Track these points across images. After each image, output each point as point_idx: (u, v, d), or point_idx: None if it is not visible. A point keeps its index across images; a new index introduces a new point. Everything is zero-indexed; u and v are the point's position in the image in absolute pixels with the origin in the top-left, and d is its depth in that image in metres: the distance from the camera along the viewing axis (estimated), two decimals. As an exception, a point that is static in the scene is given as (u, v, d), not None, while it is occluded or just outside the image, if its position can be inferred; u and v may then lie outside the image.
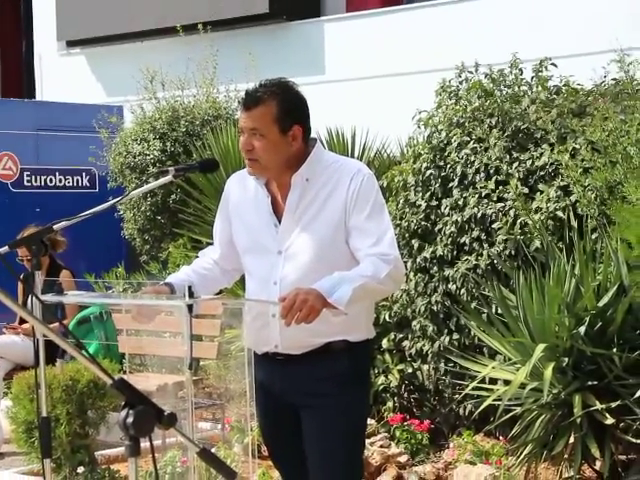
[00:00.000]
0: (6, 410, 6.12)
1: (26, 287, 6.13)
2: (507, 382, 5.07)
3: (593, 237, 5.21)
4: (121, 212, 9.29)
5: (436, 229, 5.92)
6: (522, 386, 4.87)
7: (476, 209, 5.69)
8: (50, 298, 3.37)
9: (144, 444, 1.99)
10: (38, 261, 3.37)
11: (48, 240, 3.40)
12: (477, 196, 5.72)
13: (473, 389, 5.26)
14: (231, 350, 6.61)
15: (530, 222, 5.42)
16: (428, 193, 5.99)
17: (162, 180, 3.61)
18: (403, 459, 5.73)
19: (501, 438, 5.63)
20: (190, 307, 2.98)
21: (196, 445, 2.02)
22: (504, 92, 6.04)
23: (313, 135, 3.41)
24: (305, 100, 3.35)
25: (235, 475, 2.05)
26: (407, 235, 6.02)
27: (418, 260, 5.94)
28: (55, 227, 3.44)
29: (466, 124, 5.95)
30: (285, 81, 3.34)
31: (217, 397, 6.75)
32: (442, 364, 5.87)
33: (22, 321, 7.27)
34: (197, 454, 2.01)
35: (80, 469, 5.57)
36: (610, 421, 4.71)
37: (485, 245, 5.65)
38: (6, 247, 3.30)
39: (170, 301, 3.25)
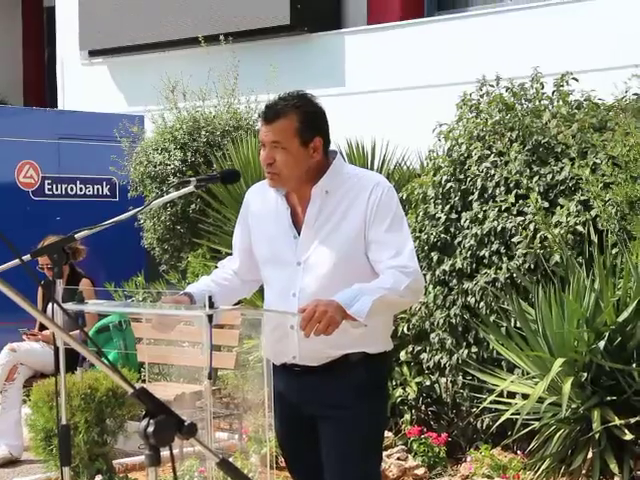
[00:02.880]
0: (25, 417, 6.14)
1: (47, 294, 6.16)
2: (525, 396, 5.06)
3: (613, 252, 5.19)
4: (141, 221, 9.32)
5: (456, 242, 5.91)
6: (540, 400, 4.85)
7: (496, 222, 5.68)
8: (71, 306, 3.38)
9: (163, 453, 1.99)
10: (59, 269, 3.39)
11: (69, 249, 3.42)
12: (497, 209, 5.72)
13: (491, 403, 5.25)
14: (249, 360, 6.62)
15: (550, 236, 5.41)
16: (448, 206, 5.99)
17: (184, 190, 3.63)
18: (420, 472, 5.72)
19: (519, 452, 5.62)
20: (210, 317, 2.99)
21: (216, 455, 2.03)
22: (525, 106, 6.04)
23: (333, 147, 3.42)
24: (325, 112, 3.36)
25: (254, 486, 2.05)
26: (426, 248, 6.02)
27: (437, 273, 5.94)
28: (77, 236, 3.47)
29: (486, 137, 5.95)
30: (304, 93, 3.36)
31: (234, 407, 6.76)
32: (460, 377, 5.86)
33: (42, 328, 7.29)
34: (217, 464, 2.02)
35: (98, 477, 5.59)
36: (629, 437, 4.69)
37: (504, 259, 5.65)
38: (28, 255, 3.32)
39: (190, 311, 3.26)
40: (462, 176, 5.97)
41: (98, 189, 10.10)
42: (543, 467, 4.97)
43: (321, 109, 3.35)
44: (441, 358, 5.95)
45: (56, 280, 3.42)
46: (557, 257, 5.38)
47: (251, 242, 3.49)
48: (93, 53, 12.52)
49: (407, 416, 6.16)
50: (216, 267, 3.68)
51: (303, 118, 3.26)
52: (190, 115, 9.21)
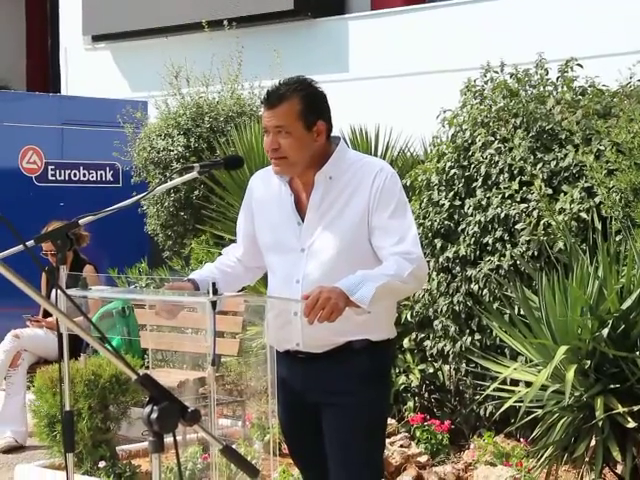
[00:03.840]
0: (29, 404, 6.15)
1: (51, 280, 6.16)
2: (528, 384, 5.06)
3: (617, 239, 5.18)
4: (144, 208, 9.32)
5: (459, 229, 5.90)
6: (543, 388, 4.85)
7: (499, 209, 5.67)
8: (74, 292, 3.38)
9: (166, 440, 1.99)
10: (63, 255, 3.39)
11: (73, 234, 3.42)
12: (500, 196, 5.71)
13: (494, 390, 5.25)
14: (252, 347, 6.62)
15: (554, 223, 5.40)
16: (451, 193, 5.98)
17: (187, 176, 3.62)
18: (423, 459, 5.72)
19: (522, 440, 5.62)
20: (214, 304, 2.99)
21: (219, 442, 2.03)
22: (529, 92, 6.02)
23: (336, 133, 3.41)
24: (326, 96, 3.36)
25: (258, 473, 2.05)
26: (430, 234, 6.01)
27: (441, 260, 5.93)
28: (81, 222, 3.46)
29: (491, 124, 5.93)
30: (304, 78, 3.36)
31: (238, 394, 6.76)
32: (463, 364, 5.86)
33: (45, 314, 7.30)
34: (220, 451, 2.02)
35: (101, 464, 5.59)
36: (632, 424, 4.68)
37: (508, 246, 5.64)
38: (32, 241, 3.31)
39: (194, 298, 3.26)
40: (466, 162, 5.96)
41: (101, 175, 10.10)
42: (546, 455, 4.97)
43: (322, 93, 3.35)
44: (444, 345, 5.94)
45: (59, 266, 3.41)
46: (561, 244, 5.37)
47: (255, 229, 3.49)
48: (96, 38, 12.51)
49: (410, 403, 6.16)
50: (220, 254, 3.68)
51: (305, 101, 3.26)
52: (193, 101, 9.20)
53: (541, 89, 6.01)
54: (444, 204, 5.98)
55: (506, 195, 5.69)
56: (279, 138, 3.25)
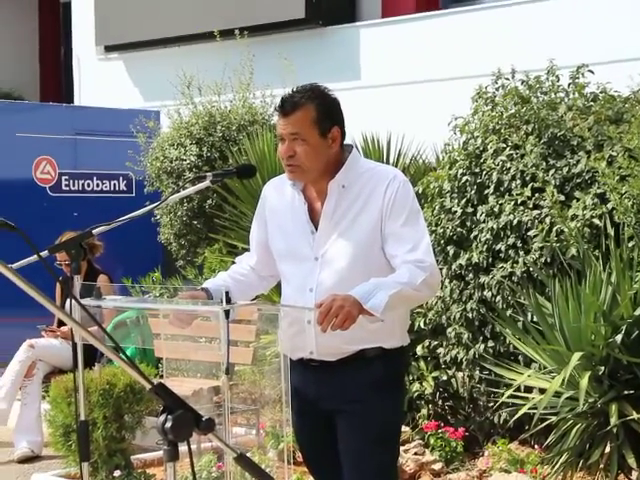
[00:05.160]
0: (44, 413, 6.17)
1: (65, 290, 6.18)
2: (542, 390, 5.05)
3: (630, 245, 5.17)
4: (158, 217, 9.34)
5: (472, 236, 5.90)
6: (557, 395, 4.84)
7: (512, 216, 5.67)
8: (89, 302, 3.40)
9: (181, 448, 2.00)
10: (77, 265, 3.41)
11: (86, 244, 3.44)
12: (513, 203, 5.71)
13: (508, 397, 5.24)
14: (266, 356, 6.63)
15: (566, 230, 5.40)
16: (464, 200, 5.98)
17: (200, 185, 3.64)
18: (437, 467, 5.72)
19: (536, 447, 5.61)
20: (227, 313, 3.00)
21: (234, 450, 2.04)
22: (541, 99, 6.02)
23: (349, 141, 3.43)
24: (339, 103, 3.38)
25: (272, 481, 2.06)
26: (442, 242, 6.01)
27: (453, 267, 5.93)
28: (94, 232, 3.48)
29: (502, 131, 5.93)
30: (317, 85, 3.38)
31: (252, 402, 6.77)
32: (477, 372, 5.86)
33: (60, 324, 7.32)
34: (234, 460, 2.03)
35: (116, 473, 5.61)
36: (646, 431, 4.68)
37: (521, 252, 5.63)
38: (46, 251, 3.33)
39: (207, 307, 3.27)
40: (478, 169, 5.96)
41: (115, 184, 10.12)
42: (561, 461, 4.96)
43: (336, 99, 3.38)
44: (458, 353, 5.94)
45: (74, 276, 3.43)
46: (573, 250, 5.36)
47: (268, 237, 3.50)
48: (109, 48, 12.54)
49: (424, 411, 6.16)
50: (233, 262, 3.70)
51: (320, 108, 3.28)
52: (206, 110, 9.22)
53: (552, 95, 6.01)
54: (456, 211, 5.98)
55: (518, 202, 5.69)
56: (295, 145, 3.27)
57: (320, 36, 10.74)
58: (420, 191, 6.25)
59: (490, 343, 5.77)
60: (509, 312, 5.56)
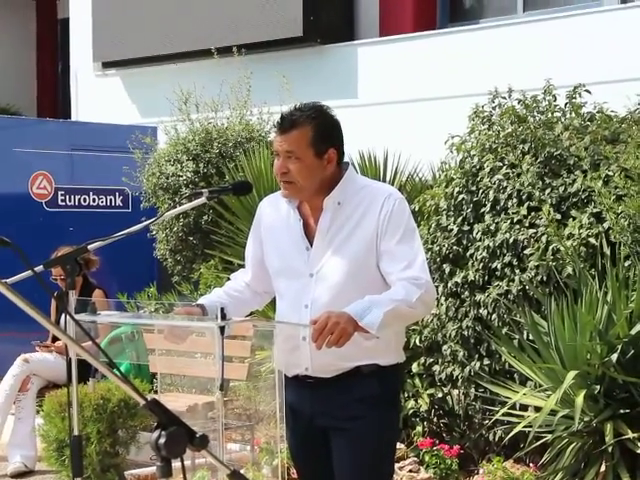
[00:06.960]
0: (37, 428, 6.15)
1: (60, 305, 6.17)
2: (538, 409, 5.05)
3: (626, 264, 5.18)
4: (153, 232, 9.33)
5: (468, 254, 5.91)
6: (553, 413, 4.84)
7: (508, 234, 5.68)
8: (84, 317, 3.39)
9: (175, 464, 1.99)
10: (72, 280, 3.40)
11: (82, 259, 3.43)
12: (509, 221, 5.72)
13: (503, 415, 5.24)
14: (261, 372, 6.62)
15: (562, 248, 5.41)
16: (460, 218, 5.99)
17: (196, 202, 3.64)
18: (432, 484, 5.71)
19: (531, 465, 5.60)
20: (222, 328, 3.00)
21: (227, 467, 2.03)
22: (537, 118, 6.03)
23: (345, 159, 3.43)
24: (339, 124, 3.38)
25: (265, 497, 2.06)
26: (438, 259, 6.02)
27: (449, 285, 5.93)
28: (89, 247, 3.48)
29: (499, 149, 5.95)
30: (320, 105, 3.37)
31: (246, 418, 6.75)
32: (472, 389, 5.85)
33: (55, 339, 7.31)
34: (228, 476, 2.02)
35: (110, 488, 5.59)
36: (642, 450, 4.67)
37: (517, 271, 5.64)
38: (41, 266, 3.33)
39: (202, 322, 3.27)
40: (474, 188, 5.97)
41: (111, 200, 10.12)
42: (556, 480, 4.96)
43: (336, 121, 3.37)
44: (453, 370, 5.94)
45: (69, 291, 3.42)
46: (569, 269, 5.37)
47: (263, 253, 3.50)
48: (106, 65, 12.57)
49: (419, 428, 6.15)
50: (228, 279, 3.69)
51: (318, 129, 3.28)
52: (203, 126, 9.23)
53: (549, 115, 6.03)
54: (452, 229, 5.99)
55: (515, 220, 5.70)
56: (289, 163, 3.27)
57: (318, 54, 10.76)
58: (416, 209, 6.26)
59: (486, 361, 5.76)
60: (505, 330, 5.56)
